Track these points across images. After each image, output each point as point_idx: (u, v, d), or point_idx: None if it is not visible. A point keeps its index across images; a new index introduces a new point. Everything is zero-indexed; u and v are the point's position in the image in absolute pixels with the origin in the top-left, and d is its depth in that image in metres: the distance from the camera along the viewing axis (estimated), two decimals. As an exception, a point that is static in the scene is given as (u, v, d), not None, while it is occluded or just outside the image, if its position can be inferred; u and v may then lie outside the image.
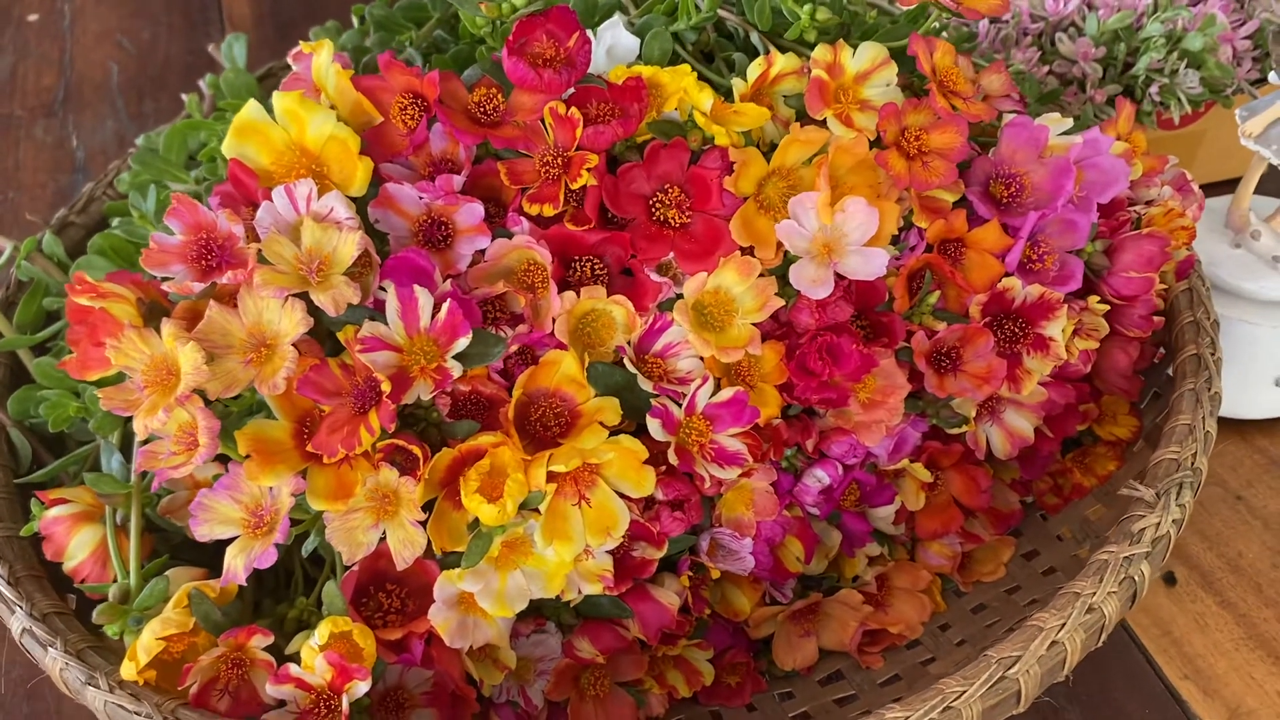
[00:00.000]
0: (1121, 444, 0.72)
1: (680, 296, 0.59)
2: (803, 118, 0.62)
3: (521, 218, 0.59)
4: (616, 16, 0.67)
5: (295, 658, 0.56)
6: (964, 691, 0.54)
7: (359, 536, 0.55)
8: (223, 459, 0.56)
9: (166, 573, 0.59)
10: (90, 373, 0.57)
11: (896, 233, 0.61)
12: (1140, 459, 0.71)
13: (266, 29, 1.31)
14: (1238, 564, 0.78)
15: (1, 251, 0.78)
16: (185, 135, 0.79)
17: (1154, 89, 0.86)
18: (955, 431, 0.66)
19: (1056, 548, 0.72)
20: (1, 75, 1.26)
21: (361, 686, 0.53)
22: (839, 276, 0.59)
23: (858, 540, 0.68)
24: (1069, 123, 0.65)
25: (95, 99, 1.22)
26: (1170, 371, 0.69)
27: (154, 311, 0.57)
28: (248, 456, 0.54)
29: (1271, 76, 0.81)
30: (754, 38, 0.68)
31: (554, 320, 0.58)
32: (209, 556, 0.60)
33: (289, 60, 0.66)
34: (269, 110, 0.59)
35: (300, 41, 0.65)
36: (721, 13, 0.68)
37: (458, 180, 0.59)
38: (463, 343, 0.54)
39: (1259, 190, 0.86)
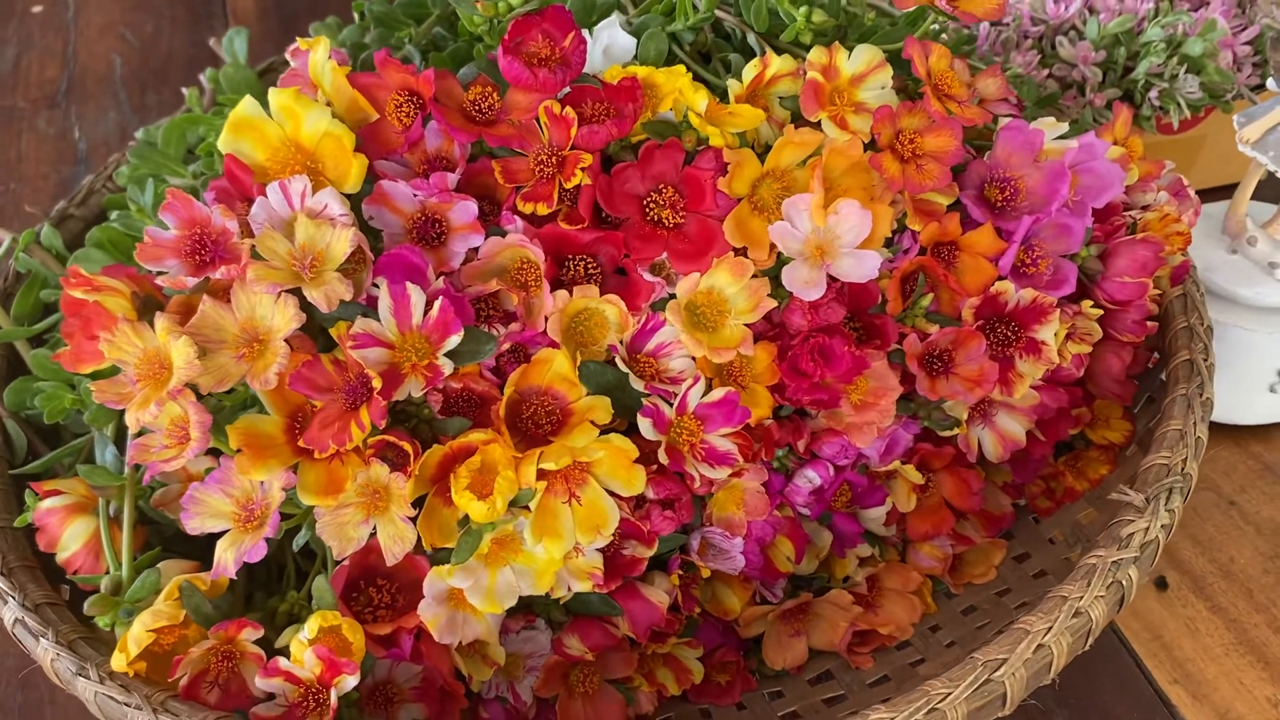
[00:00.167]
0: (1114, 448, 0.72)
1: (673, 296, 0.59)
2: (798, 119, 0.63)
3: (515, 216, 0.59)
4: (614, 16, 0.67)
5: (285, 651, 0.56)
6: (949, 693, 0.54)
7: (349, 532, 0.55)
8: (215, 453, 0.57)
9: (158, 565, 0.60)
10: (84, 365, 0.57)
11: (890, 235, 0.61)
12: (1132, 463, 0.70)
13: (270, 22, 1.31)
14: (1229, 569, 0.78)
15: (0, 243, 0.78)
16: (184, 129, 0.79)
17: (1154, 93, 0.86)
18: (947, 434, 0.66)
19: (1048, 551, 0.72)
20: (5, 67, 1.26)
21: (350, 680, 0.54)
22: (832, 278, 0.59)
23: (849, 541, 0.68)
24: (1064, 127, 0.65)
25: (98, 91, 1.22)
26: (1163, 376, 0.69)
27: (148, 305, 0.58)
28: (239, 451, 0.54)
29: (1270, 83, 0.81)
30: (751, 39, 0.68)
31: (546, 319, 0.58)
32: (201, 549, 0.60)
33: (287, 56, 0.66)
34: (266, 106, 0.59)
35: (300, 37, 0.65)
36: (719, 13, 0.68)
37: (452, 178, 0.59)
38: (455, 340, 0.55)
39: (1256, 196, 0.86)
